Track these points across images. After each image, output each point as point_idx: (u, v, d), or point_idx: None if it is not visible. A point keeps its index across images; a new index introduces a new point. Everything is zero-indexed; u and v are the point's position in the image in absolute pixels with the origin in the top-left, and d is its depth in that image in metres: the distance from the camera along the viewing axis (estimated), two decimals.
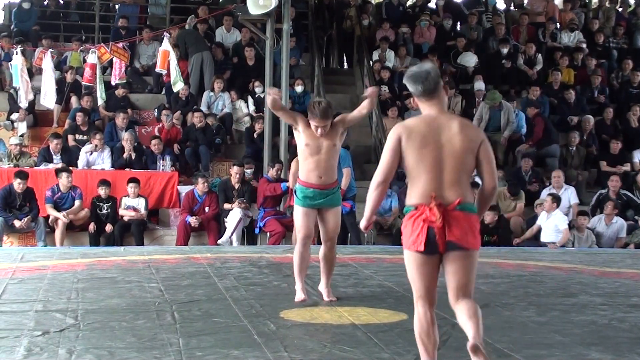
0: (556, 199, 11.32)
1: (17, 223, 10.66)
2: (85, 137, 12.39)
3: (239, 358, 4.62)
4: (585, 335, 5.36)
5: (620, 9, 18.22)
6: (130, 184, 11.11)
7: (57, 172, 11.03)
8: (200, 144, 12.43)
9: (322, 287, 6.40)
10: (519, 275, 8.07)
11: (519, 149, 13.43)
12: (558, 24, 16.80)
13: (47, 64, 12.78)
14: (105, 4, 16.60)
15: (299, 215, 6.23)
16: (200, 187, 11.19)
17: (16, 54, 12.66)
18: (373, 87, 6.67)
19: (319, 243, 6.45)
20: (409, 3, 18.08)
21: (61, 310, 5.80)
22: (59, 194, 10.94)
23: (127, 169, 11.71)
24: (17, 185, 10.71)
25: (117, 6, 16.51)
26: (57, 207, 10.86)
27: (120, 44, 13.08)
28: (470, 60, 15.21)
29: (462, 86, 14.87)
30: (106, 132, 12.50)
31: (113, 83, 13.51)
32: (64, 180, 10.93)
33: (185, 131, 12.78)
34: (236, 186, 11.31)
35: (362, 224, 4.23)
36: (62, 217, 10.73)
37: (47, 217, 10.91)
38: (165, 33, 13.38)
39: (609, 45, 16.44)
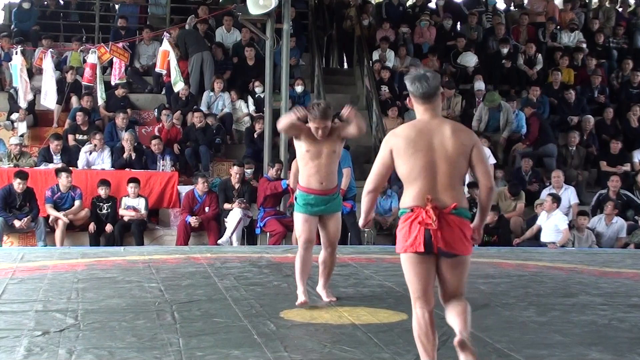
0: (556, 199, 11.32)
1: (17, 223, 10.65)
2: (85, 137, 12.38)
3: (239, 358, 4.62)
4: (585, 335, 5.37)
5: (620, 9, 18.21)
6: (130, 184, 11.11)
7: (57, 172, 11.02)
8: (200, 144, 12.43)
9: (319, 288, 6.39)
10: (519, 275, 8.07)
11: (515, 147, 13.46)
12: (558, 24, 16.79)
13: (48, 64, 12.79)
14: (105, 4, 16.59)
15: (300, 221, 6.19)
16: (200, 187, 11.19)
17: (16, 54, 12.66)
18: (346, 108, 6.13)
19: (319, 243, 6.44)
20: (409, 3, 18.09)
21: (61, 310, 5.80)
22: (59, 194, 10.94)
23: (127, 169, 11.71)
24: (17, 185, 10.70)
25: (117, 6, 16.49)
26: (57, 207, 10.86)
27: (120, 44, 13.08)
28: (470, 60, 15.20)
29: (462, 86, 14.87)
30: (106, 132, 12.50)
31: (113, 83, 13.51)
32: (63, 180, 10.93)
33: (185, 131, 12.78)
34: (236, 186, 11.31)
35: (360, 224, 4.39)
36: (62, 217, 10.73)
37: (47, 217, 10.89)
38: (165, 33, 13.39)
39: (609, 45, 16.44)
